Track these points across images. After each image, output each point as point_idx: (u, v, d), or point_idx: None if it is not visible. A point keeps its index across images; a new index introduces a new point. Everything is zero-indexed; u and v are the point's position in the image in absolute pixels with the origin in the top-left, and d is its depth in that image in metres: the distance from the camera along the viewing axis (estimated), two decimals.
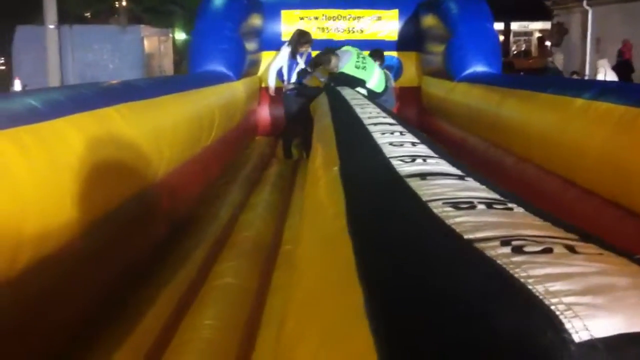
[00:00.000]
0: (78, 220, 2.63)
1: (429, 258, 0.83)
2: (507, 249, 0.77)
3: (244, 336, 3.07)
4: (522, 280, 0.66)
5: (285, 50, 7.87)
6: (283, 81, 7.92)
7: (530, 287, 0.64)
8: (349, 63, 7.03)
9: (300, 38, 7.87)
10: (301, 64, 7.82)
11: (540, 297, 0.61)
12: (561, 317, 0.56)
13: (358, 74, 6.94)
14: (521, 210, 1.02)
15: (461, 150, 6.28)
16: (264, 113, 9.24)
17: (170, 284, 3.50)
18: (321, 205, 1.52)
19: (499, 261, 0.73)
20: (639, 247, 2.93)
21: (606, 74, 13.00)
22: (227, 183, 6.02)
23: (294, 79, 7.80)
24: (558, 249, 0.76)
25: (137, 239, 3.47)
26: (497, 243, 0.80)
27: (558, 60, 14.27)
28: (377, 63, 7.56)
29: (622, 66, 16.33)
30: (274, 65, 7.98)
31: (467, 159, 5.97)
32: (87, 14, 22.32)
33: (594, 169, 3.46)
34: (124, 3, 21.71)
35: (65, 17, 15.29)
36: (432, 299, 0.69)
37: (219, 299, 3.37)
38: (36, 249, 2.28)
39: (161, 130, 3.91)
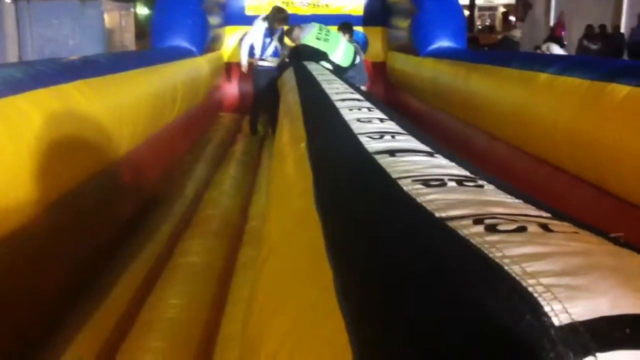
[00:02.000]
0: (39, 198, 2.57)
1: (400, 237, 0.80)
2: (480, 228, 0.74)
3: (210, 315, 3.04)
4: (497, 260, 0.63)
5: (260, 25, 7.72)
6: (253, 56, 7.77)
7: (506, 267, 0.61)
8: (309, 35, 6.90)
9: (277, 14, 7.73)
10: (275, 41, 7.71)
11: (518, 278, 0.58)
12: (540, 299, 0.54)
13: (320, 45, 6.80)
14: (492, 187, 1.00)
15: (428, 125, 6.28)
16: (229, 89, 9.13)
17: (135, 262, 3.46)
18: (288, 182, 1.49)
19: (472, 240, 0.70)
20: (609, 224, 2.97)
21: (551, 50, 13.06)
22: (193, 160, 5.95)
23: (266, 55, 7.69)
24: (532, 228, 0.74)
25: (101, 216, 3.41)
26: (469, 221, 0.77)
27: (516, 33, 14.43)
28: (346, 37, 7.41)
29: (553, 40, 16.55)
30: (247, 41, 7.80)
31: (434, 133, 5.98)
32: None
33: (561, 144, 3.48)
34: None
35: None
36: (404, 279, 0.67)
37: (184, 277, 3.34)
38: None
39: (122, 107, 3.83)
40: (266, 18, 7.78)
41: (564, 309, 0.52)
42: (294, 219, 1.19)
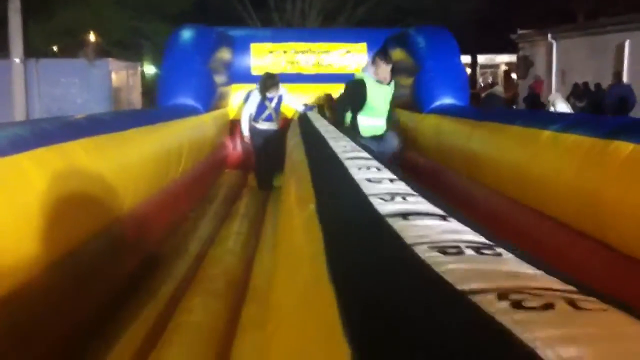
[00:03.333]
0: (39, 257, 2.55)
1: (423, 314, 0.75)
2: (505, 304, 0.71)
3: None
4: (528, 343, 0.60)
5: (256, 96, 7.92)
6: (253, 119, 7.95)
7: (538, 351, 0.58)
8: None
9: (268, 80, 7.89)
10: (270, 107, 7.88)
11: None
12: None
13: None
14: (510, 256, 0.97)
15: (432, 180, 6.28)
16: (234, 146, 9.19)
17: (137, 320, 3.41)
18: (297, 247, 1.44)
19: (499, 319, 0.67)
20: (611, 278, 2.93)
21: (557, 106, 13.27)
22: (197, 217, 5.94)
23: (260, 119, 7.92)
24: (559, 305, 0.71)
25: (103, 275, 3.38)
26: (493, 296, 0.74)
27: (499, 89, 14.80)
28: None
29: (530, 98, 17.87)
30: (246, 111, 7.97)
31: (438, 190, 5.97)
32: (54, 48, 22.19)
33: (564, 200, 3.47)
34: (91, 37, 21.64)
35: (32, 51, 15.17)
36: None
37: (186, 337, 3.28)
38: None
39: (127, 165, 3.84)
40: (259, 85, 7.96)
41: None
42: (305, 288, 1.13)
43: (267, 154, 7.71)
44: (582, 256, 3.25)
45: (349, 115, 6.44)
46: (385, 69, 6.30)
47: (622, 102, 13.73)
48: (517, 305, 0.71)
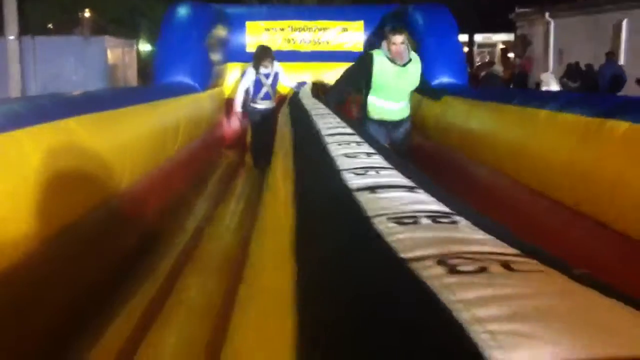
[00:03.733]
0: (37, 232, 2.57)
1: (361, 279, 0.80)
2: (442, 269, 0.73)
3: (208, 353, 3.00)
4: (449, 305, 0.62)
5: (251, 73, 7.80)
6: (249, 96, 7.87)
7: (455, 313, 0.60)
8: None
9: (261, 53, 7.81)
10: (267, 85, 7.78)
11: (464, 325, 0.57)
12: (483, 347, 0.52)
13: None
14: (466, 223, 0.99)
15: (430, 159, 6.29)
16: (230, 125, 9.17)
17: (135, 297, 3.43)
18: (274, 221, 1.49)
19: (429, 283, 0.69)
20: (606, 257, 2.95)
21: (550, 86, 13.30)
22: (194, 195, 5.95)
23: (258, 97, 7.80)
24: (494, 267, 0.72)
25: (100, 251, 3.39)
26: (433, 262, 0.77)
27: (498, 68, 14.83)
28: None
29: (520, 76, 17.95)
30: (242, 87, 7.87)
31: (436, 168, 5.99)
32: (50, 25, 22.04)
33: (561, 179, 3.49)
34: (87, 14, 21.49)
35: (28, 28, 15.09)
36: (358, 322, 0.67)
37: (183, 314, 3.31)
38: None
39: (124, 142, 3.84)
40: (253, 58, 7.87)
41: (508, 359, 0.50)
42: (271, 258, 1.20)
43: (264, 132, 7.68)
44: (577, 234, 3.28)
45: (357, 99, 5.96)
46: (396, 45, 5.34)
47: (615, 81, 13.88)
48: (452, 270, 0.73)
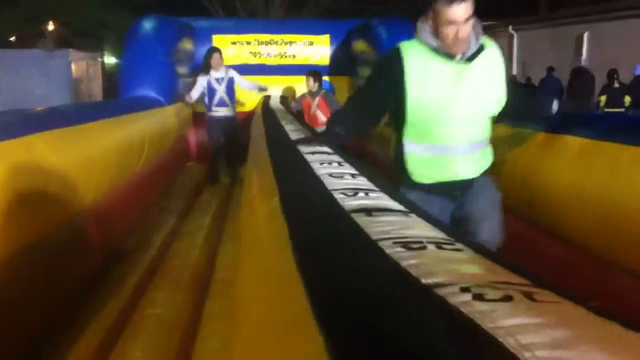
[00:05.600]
0: (2, 250, 2.54)
1: (391, 305, 0.78)
2: (467, 296, 0.76)
3: None
4: (491, 332, 0.65)
5: (202, 80, 7.52)
6: (205, 106, 7.65)
7: (500, 339, 0.63)
8: None
9: (207, 54, 7.54)
10: (220, 90, 7.52)
11: (514, 350, 0.60)
12: None
13: None
14: (470, 251, 1.02)
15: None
16: (196, 138, 9.14)
17: (101, 313, 3.40)
18: (262, 238, 1.46)
19: (463, 310, 0.72)
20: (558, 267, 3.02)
21: None
22: (160, 210, 5.91)
23: (213, 104, 7.54)
24: (517, 297, 0.76)
25: (66, 268, 3.36)
26: (456, 289, 0.79)
27: None
28: (315, 84, 7.44)
29: None
30: (194, 94, 7.54)
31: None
32: (12, 38, 21.75)
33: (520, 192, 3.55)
34: (50, 27, 21.24)
35: None
36: (399, 351, 0.65)
37: (149, 330, 3.29)
38: None
39: (89, 157, 3.82)
40: (203, 71, 7.60)
41: None
42: (272, 278, 1.15)
43: (224, 144, 7.55)
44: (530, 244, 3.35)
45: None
46: (455, 25, 2.64)
47: (554, 93, 14.45)
48: (479, 297, 0.76)
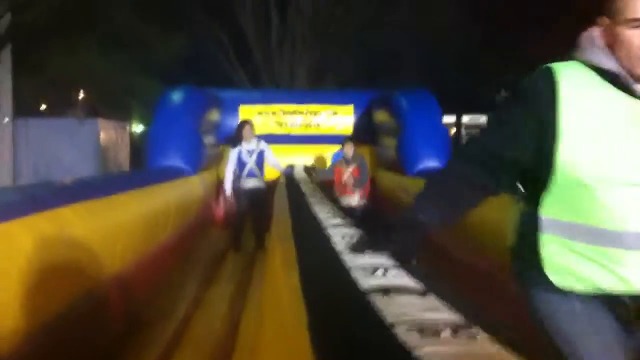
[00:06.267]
0: (28, 322, 2.58)
1: None
2: None
3: None
4: None
5: (234, 153, 7.63)
6: (236, 177, 7.64)
7: None
8: None
9: (239, 127, 7.67)
10: (251, 162, 7.59)
11: None
12: None
13: None
14: (485, 336, 1.04)
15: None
16: (221, 206, 9.24)
17: None
18: (282, 317, 1.49)
19: None
20: None
21: None
22: (184, 278, 5.94)
23: (244, 175, 7.58)
24: None
25: (90, 336, 3.39)
26: None
27: None
28: (351, 149, 7.56)
29: None
30: (229, 168, 7.70)
31: (424, 251, 6.02)
32: (43, 107, 22.34)
33: None
34: (81, 95, 21.81)
35: (21, 106, 15.22)
36: None
37: None
38: None
39: (116, 228, 3.90)
40: (234, 143, 7.70)
41: None
42: (274, 348, 1.18)
43: (251, 214, 7.59)
44: None
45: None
46: None
47: None
48: None
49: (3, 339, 2.39)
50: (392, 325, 1.08)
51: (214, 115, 9.29)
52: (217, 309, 5.10)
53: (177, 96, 8.30)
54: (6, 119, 14.12)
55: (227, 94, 10.19)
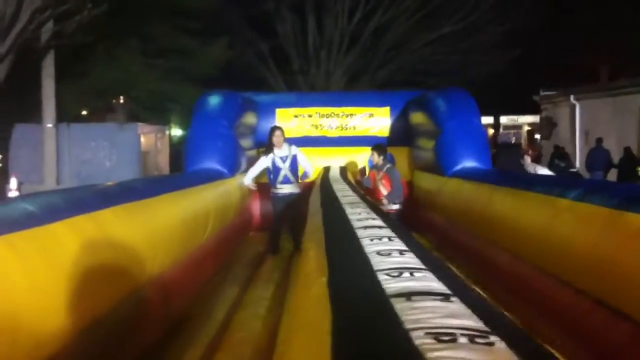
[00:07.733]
0: (73, 323, 2.64)
1: None
2: None
3: None
4: None
5: (262, 161, 7.72)
6: (271, 184, 7.74)
7: None
8: None
9: (271, 132, 7.70)
10: (285, 168, 7.61)
11: None
12: None
13: None
14: (503, 345, 1.03)
15: (452, 242, 6.30)
16: (259, 209, 9.31)
17: None
18: (308, 320, 1.51)
19: None
20: (627, 348, 2.93)
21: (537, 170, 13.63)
22: (222, 280, 6.00)
23: (278, 182, 7.63)
24: None
25: (132, 338, 3.45)
26: None
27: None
28: (380, 157, 7.55)
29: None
30: (253, 169, 7.80)
31: (458, 252, 5.99)
32: (84, 112, 22.75)
33: (582, 268, 3.49)
34: (121, 100, 22.18)
35: (63, 113, 15.55)
36: None
37: None
38: (30, 355, 2.27)
39: (156, 231, 3.96)
40: (266, 150, 7.75)
41: None
42: (302, 353, 1.20)
43: (286, 219, 7.65)
44: (599, 324, 3.26)
45: None
46: None
47: (602, 164, 15.75)
48: None
49: (49, 339, 2.44)
50: (409, 331, 1.09)
51: (251, 119, 9.36)
52: (257, 311, 5.14)
53: (214, 100, 8.39)
54: (49, 125, 14.44)
55: (263, 98, 10.27)
